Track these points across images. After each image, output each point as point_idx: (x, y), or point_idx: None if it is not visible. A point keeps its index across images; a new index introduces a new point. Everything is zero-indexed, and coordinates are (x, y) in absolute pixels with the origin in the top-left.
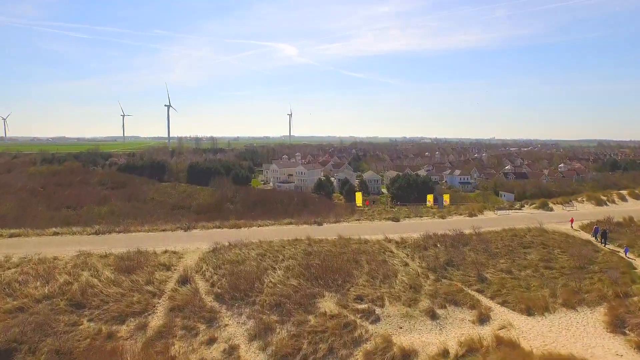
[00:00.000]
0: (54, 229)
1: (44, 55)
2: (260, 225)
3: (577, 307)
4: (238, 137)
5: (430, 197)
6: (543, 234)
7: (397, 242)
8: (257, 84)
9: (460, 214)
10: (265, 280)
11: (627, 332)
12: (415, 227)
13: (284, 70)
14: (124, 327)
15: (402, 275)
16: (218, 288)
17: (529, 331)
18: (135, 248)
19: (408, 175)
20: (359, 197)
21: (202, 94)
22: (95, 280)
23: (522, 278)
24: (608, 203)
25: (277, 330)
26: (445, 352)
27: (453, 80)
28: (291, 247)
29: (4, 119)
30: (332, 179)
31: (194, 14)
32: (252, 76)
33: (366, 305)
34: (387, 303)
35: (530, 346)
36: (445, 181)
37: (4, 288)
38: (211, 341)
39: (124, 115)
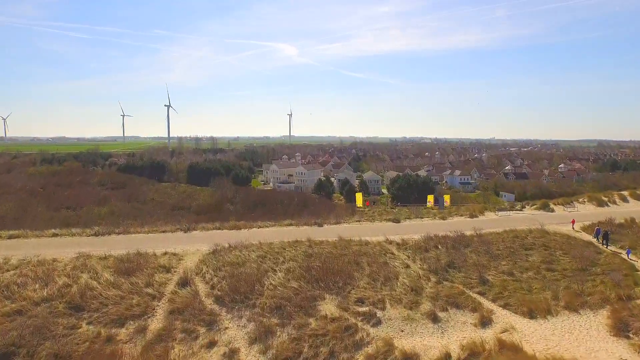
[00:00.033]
0: (53, 230)
1: (44, 55)
2: (260, 227)
3: (580, 310)
4: (238, 137)
5: (430, 198)
6: (544, 235)
7: (398, 244)
8: (257, 84)
9: (461, 215)
10: (266, 282)
11: (631, 335)
12: (416, 228)
13: (284, 70)
14: (124, 330)
15: (403, 278)
16: (218, 290)
17: (532, 334)
18: (134, 250)
19: (408, 175)
20: (359, 197)
21: (202, 94)
22: (95, 282)
23: (523, 280)
24: (609, 204)
25: (278, 333)
26: (447, 356)
27: (453, 80)
28: (291, 248)
29: (4, 119)
30: (332, 179)
31: (194, 14)
32: (252, 76)
33: (367, 308)
34: (388, 306)
35: (533, 350)
36: (446, 181)
37: (3, 291)
38: (211, 344)
39: (123, 116)
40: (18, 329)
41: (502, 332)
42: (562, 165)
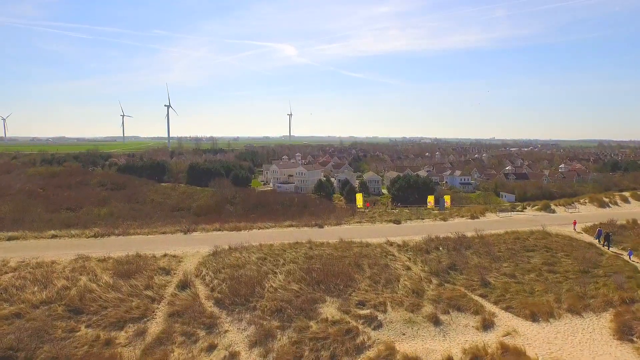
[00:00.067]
0: (52, 232)
1: (44, 55)
2: (260, 228)
3: (583, 313)
4: (238, 137)
5: (431, 199)
6: (546, 237)
7: (399, 246)
8: (256, 84)
9: (462, 216)
10: (266, 284)
11: (635, 339)
12: (416, 229)
13: (284, 70)
14: (123, 333)
15: (405, 280)
16: (218, 293)
17: (534, 338)
18: (134, 251)
19: (408, 176)
20: (359, 198)
21: (202, 94)
22: (94, 285)
23: (525, 282)
24: (610, 205)
25: (278, 336)
26: None
27: (453, 80)
28: (292, 250)
29: (3, 119)
30: (333, 179)
31: (193, 14)
32: (251, 76)
33: (368, 311)
34: (389, 308)
35: (536, 354)
36: (446, 182)
37: (1, 293)
38: (211, 348)
39: (123, 116)
40: (16, 332)
41: (505, 336)
42: (562, 165)
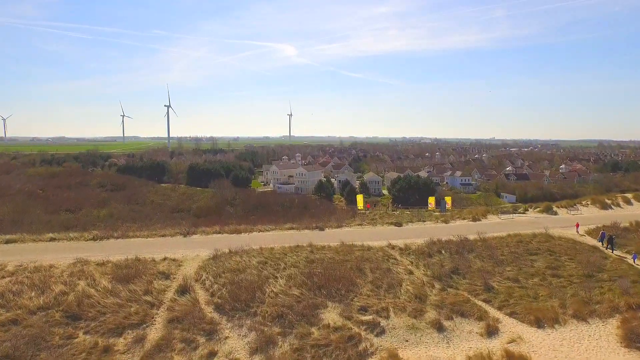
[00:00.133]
0: (50, 235)
1: (44, 56)
2: (260, 231)
3: (588, 319)
4: (238, 137)
5: (431, 200)
6: (549, 239)
7: (400, 249)
8: (256, 84)
9: (464, 219)
10: (267, 289)
11: None
12: (418, 232)
13: (284, 70)
14: (121, 340)
15: (407, 285)
16: (218, 298)
17: (540, 345)
18: (133, 255)
19: (409, 176)
20: (360, 199)
21: (202, 94)
22: (92, 290)
23: (529, 287)
24: (613, 207)
25: (279, 343)
26: None
27: (453, 80)
28: (293, 254)
29: (3, 119)
30: (333, 180)
31: (192, 14)
32: (251, 76)
33: (371, 317)
34: (392, 314)
35: None
36: (446, 182)
37: None
38: (211, 355)
39: (123, 116)
40: (13, 339)
41: (509, 343)
42: (563, 166)
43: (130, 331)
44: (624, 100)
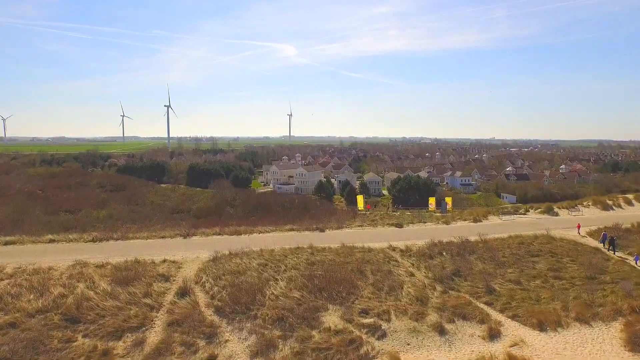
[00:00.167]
0: (49, 236)
1: (44, 56)
2: (261, 232)
3: (592, 322)
4: (238, 137)
5: (432, 200)
6: (551, 241)
7: (401, 251)
8: (256, 84)
9: (465, 220)
10: (267, 292)
11: None
12: (419, 233)
13: (284, 70)
14: (121, 343)
15: (408, 287)
16: (218, 301)
17: (543, 349)
18: (133, 257)
19: (409, 177)
20: (360, 200)
21: (202, 94)
22: (91, 292)
23: (531, 289)
24: (614, 207)
25: (280, 346)
26: None
27: (453, 80)
28: (293, 256)
29: (3, 119)
30: (333, 180)
31: (192, 14)
32: (251, 76)
33: (372, 320)
34: (393, 317)
35: None
36: (447, 183)
37: None
38: (211, 358)
39: (123, 116)
40: (10, 343)
41: (512, 346)
42: (563, 166)
43: (129, 334)
44: (624, 100)
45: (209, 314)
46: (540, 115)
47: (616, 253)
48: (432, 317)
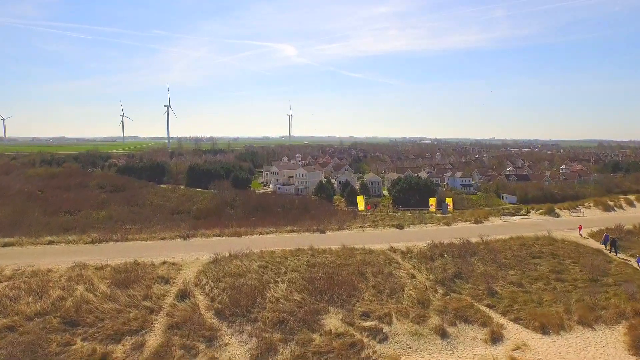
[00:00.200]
0: (49, 238)
1: (44, 55)
2: (261, 233)
3: (594, 325)
4: (238, 137)
5: (432, 201)
6: (552, 242)
7: (402, 252)
8: (256, 84)
9: (466, 221)
10: (267, 294)
11: None
12: (420, 235)
13: (284, 70)
14: (120, 346)
15: (410, 289)
16: (218, 303)
17: (546, 352)
18: (132, 259)
19: (409, 177)
20: (360, 201)
21: (202, 94)
22: (91, 295)
23: (533, 292)
24: (616, 208)
25: (281, 350)
26: None
27: (453, 80)
28: (294, 258)
29: (3, 119)
30: (333, 181)
31: (192, 14)
32: (251, 76)
33: (373, 323)
34: (394, 320)
35: None
36: (447, 183)
37: None
38: None
39: (123, 116)
40: (8, 347)
41: (515, 350)
42: (563, 166)
43: (129, 337)
44: (624, 100)
45: (209, 317)
46: (540, 115)
47: (618, 255)
48: (434, 320)
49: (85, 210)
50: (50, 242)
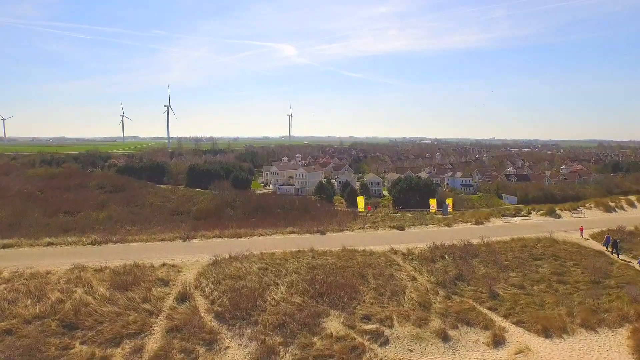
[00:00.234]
0: (48, 239)
1: (44, 56)
2: (261, 234)
3: (597, 329)
4: (238, 137)
5: (433, 202)
6: (554, 244)
7: (403, 254)
8: (256, 84)
9: (467, 222)
10: (268, 297)
11: None
12: (421, 236)
13: (284, 70)
14: (119, 350)
15: (411, 292)
16: (218, 306)
17: (548, 356)
18: (132, 260)
19: (409, 177)
20: (360, 201)
21: (202, 94)
22: (90, 297)
23: (535, 294)
24: (617, 209)
25: (281, 353)
26: None
27: (453, 80)
28: (294, 259)
29: (3, 119)
30: (333, 181)
31: (192, 14)
32: (251, 76)
33: (374, 326)
34: (396, 323)
35: None
36: (447, 183)
37: None
38: None
39: (123, 116)
40: (6, 350)
41: (517, 353)
42: (563, 166)
43: (128, 341)
44: (624, 100)
45: (209, 320)
46: (540, 115)
47: (620, 256)
48: (435, 323)
49: (85, 210)
50: (50, 244)
